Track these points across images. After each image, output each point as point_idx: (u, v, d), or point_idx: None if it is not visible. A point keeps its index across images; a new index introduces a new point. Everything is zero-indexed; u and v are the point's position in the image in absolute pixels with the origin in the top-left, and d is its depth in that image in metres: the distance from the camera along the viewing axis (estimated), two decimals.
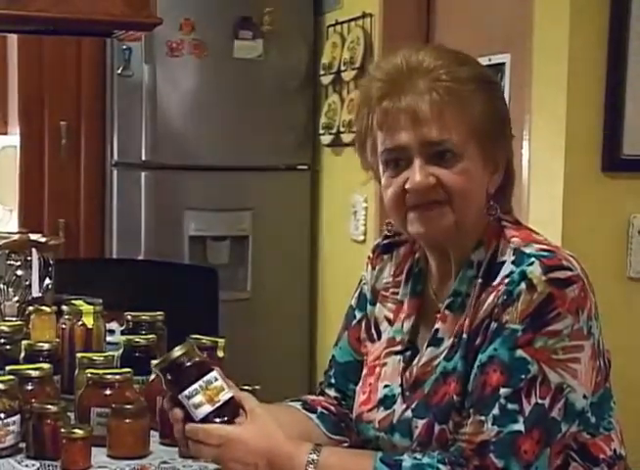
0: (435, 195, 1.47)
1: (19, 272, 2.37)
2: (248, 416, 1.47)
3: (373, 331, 1.67)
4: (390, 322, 1.64)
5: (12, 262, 2.37)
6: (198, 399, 1.45)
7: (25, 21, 2.50)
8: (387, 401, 1.58)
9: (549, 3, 2.71)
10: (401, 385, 1.57)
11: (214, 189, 4.00)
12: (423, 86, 1.46)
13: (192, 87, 3.96)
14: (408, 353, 1.59)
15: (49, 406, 1.71)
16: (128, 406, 1.73)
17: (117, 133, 3.91)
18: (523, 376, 1.40)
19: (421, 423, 1.50)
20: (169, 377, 1.48)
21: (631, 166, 2.67)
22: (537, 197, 2.74)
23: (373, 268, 1.71)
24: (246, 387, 1.65)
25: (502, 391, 1.40)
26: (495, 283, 1.46)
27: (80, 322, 2.05)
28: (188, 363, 1.47)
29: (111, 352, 1.97)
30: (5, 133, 4.03)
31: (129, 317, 2.10)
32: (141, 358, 1.94)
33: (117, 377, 1.80)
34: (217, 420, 1.45)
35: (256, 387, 1.72)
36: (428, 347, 1.54)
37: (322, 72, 4.01)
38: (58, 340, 2.05)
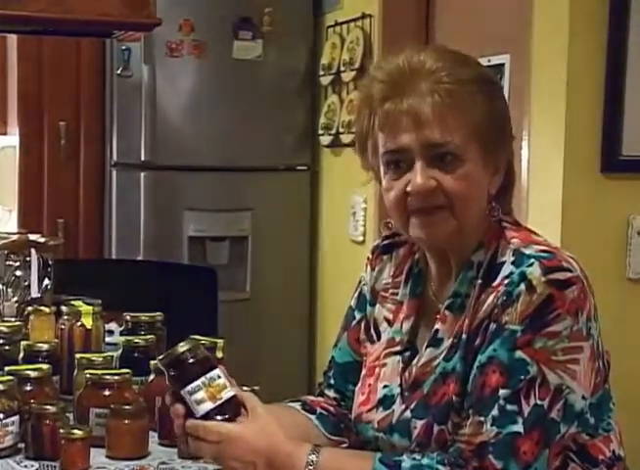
0: (437, 200, 1.47)
1: (18, 273, 2.37)
2: (249, 415, 1.47)
3: (372, 332, 1.67)
4: (390, 323, 1.64)
5: (11, 263, 2.37)
6: (200, 395, 1.44)
7: (25, 21, 2.50)
8: (386, 402, 1.58)
9: (549, 4, 2.71)
10: (400, 385, 1.57)
11: (214, 189, 4.00)
12: (425, 88, 1.46)
13: (191, 88, 3.96)
14: (407, 354, 1.59)
15: (48, 407, 1.71)
16: (127, 407, 1.73)
17: (117, 134, 3.90)
18: (522, 377, 1.40)
19: (420, 424, 1.50)
20: (172, 372, 1.47)
21: (630, 167, 2.67)
22: (536, 198, 2.74)
23: (372, 269, 1.71)
24: (245, 388, 1.65)
25: (501, 392, 1.40)
26: (495, 284, 1.46)
27: (79, 323, 2.05)
28: (192, 359, 1.46)
29: (110, 353, 1.97)
30: (4, 133, 4.03)
31: (128, 318, 2.10)
32: (140, 359, 1.94)
33: (116, 378, 1.80)
34: (218, 418, 1.45)
35: (256, 387, 1.72)
36: (427, 347, 1.54)
37: (321, 73, 4.01)
38: (57, 340, 2.05)
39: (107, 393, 1.78)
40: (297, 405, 1.71)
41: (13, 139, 3.95)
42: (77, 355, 1.93)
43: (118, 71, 3.85)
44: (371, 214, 3.70)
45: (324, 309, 4.16)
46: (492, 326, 1.44)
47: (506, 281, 1.44)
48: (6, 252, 2.37)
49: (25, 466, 1.67)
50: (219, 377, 1.46)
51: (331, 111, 3.95)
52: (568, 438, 1.45)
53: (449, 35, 3.45)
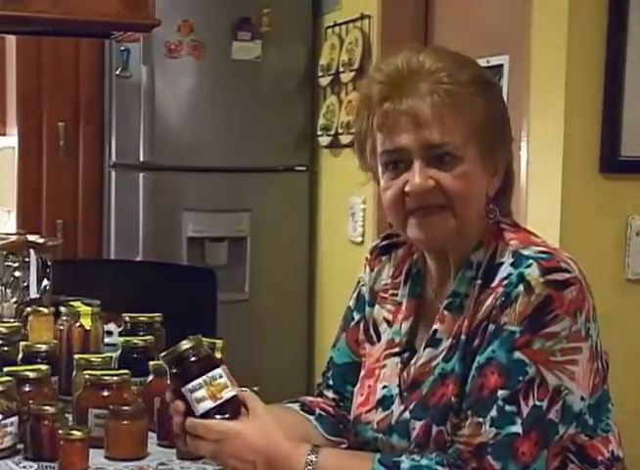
0: (435, 199, 1.47)
1: (16, 273, 2.37)
2: (249, 414, 1.47)
3: (372, 333, 1.67)
4: (390, 324, 1.64)
5: (10, 264, 2.37)
6: (200, 393, 1.44)
7: (24, 21, 2.50)
8: (385, 402, 1.58)
9: (547, 5, 2.72)
10: (399, 386, 1.57)
11: (213, 190, 4.00)
12: (424, 89, 1.46)
13: (190, 88, 3.96)
14: (406, 355, 1.59)
15: (47, 408, 1.71)
16: (126, 408, 1.72)
17: (116, 134, 3.90)
18: (520, 378, 1.40)
19: (418, 424, 1.50)
20: (174, 370, 1.47)
21: (629, 168, 2.67)
22: (535, 198, 2.75)
23: (371, 270, 1.71)
24: (244, 388, 1.65)
25: (500, 393, 1.40)
26: (493, 285, 1.46)
27: (78, 323, 2.05)
28: (194, 357, 1.46)
29: (108, 354, 1.97)
30: (3, 134, 4.03)
31: (127, 318, 2.10)
32: (139, 360, 1.94)
33: (115, 378, 1.80)
34: (218, 417, 1.44)
35: (255, 388, 1.72)
36: (426, 347, 1.54)
37: (320, 74, 4.01)
38: (56, 341, 2.05)
39: (106, 393, 1.78)
40: (296, 406, 1.71)
41: (12, 140, 3.95)
42: (76, 356, 1.92)
43: (117, 72, 3.85)
44: (370, 215, 3.70)
45: (323, 310, 4.16)
46: (491, 327, 1.44)
47: (504, 282, 1.44)
48: (5, 252, 2.37)
49: (24, 467, 1.67)
50: (221, 376, 1.46)
51: (330, 111, 3.95)
52: (566, 438, 1.45)
53: (448, 36, 3.45)
